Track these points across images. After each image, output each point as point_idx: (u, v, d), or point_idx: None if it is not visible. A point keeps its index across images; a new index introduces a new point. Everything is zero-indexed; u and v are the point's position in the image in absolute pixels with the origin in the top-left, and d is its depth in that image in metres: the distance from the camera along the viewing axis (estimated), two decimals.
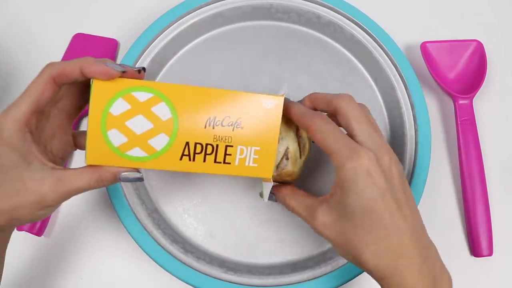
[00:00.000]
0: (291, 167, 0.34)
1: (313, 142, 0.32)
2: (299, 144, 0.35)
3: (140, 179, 0.30)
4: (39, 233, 0.41)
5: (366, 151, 0.28)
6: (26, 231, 0.40)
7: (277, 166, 0.34)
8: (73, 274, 0.41)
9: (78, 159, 0.44)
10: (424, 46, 0.47)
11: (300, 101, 0.34)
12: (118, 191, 0.39)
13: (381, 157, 0.29)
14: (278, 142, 0.34)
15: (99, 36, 0.48)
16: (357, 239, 0.29)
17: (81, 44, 0.47)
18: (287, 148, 0.34)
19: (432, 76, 0.46)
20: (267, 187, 0.33)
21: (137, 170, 0.30)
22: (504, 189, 0.44)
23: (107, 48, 0.47)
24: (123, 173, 0.30)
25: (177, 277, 0.37)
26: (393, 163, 0.30)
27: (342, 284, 0.37)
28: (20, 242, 0.41)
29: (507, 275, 0.42)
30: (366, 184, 0.28)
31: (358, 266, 0.30)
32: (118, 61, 0.47)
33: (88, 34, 0.48)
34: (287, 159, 0.34)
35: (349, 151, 0.28)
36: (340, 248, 0.30)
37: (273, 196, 0.35)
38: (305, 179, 0.42)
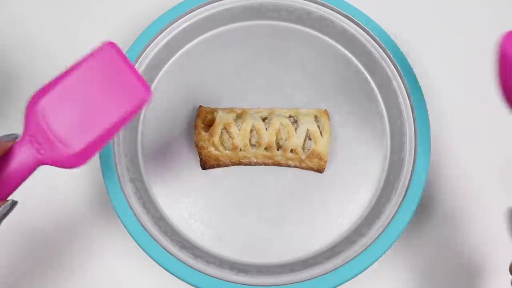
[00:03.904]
0: (315, 146, 0.41)
1: None
2: (318, 127, 0.41)
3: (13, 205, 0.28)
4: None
5: None
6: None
7: (303, 148, 0.41)
8: (73, 274, 0.40)
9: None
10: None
11: None
12: (122, 202, 0.39)
13: None
14: (298, 126, 0.41)
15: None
16: None
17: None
18: (307, 129, 0.41)
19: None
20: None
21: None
22: (505, 189, 0.44)
23: None
24: None
25: (188, 283, 0.37)
26: None
27: (353, 278, 0.37)
28: (20, 242, 0.41)
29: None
30: None
31: None
32: None
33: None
34: (310, 139, 0.41)
35: None
36: None
37: None
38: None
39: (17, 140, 0.29)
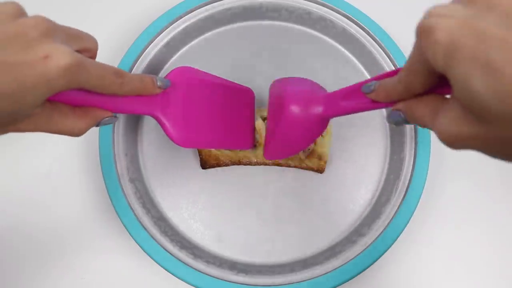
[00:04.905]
0: (315, 146, 0.41)
1: None
2: None
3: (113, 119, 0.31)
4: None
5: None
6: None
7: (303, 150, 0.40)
8: (74, 274, 0.40)
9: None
10: None
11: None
12: (122, 202, 0.39)
13: None
14: None
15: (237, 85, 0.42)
16: None
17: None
18: None
19: None
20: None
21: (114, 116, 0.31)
22: (504, 189, 0.44)
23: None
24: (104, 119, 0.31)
25: (188, 283, 0.37)
26: None
27: (353, 278, 0.37)
28: (20, 241, 0.41)
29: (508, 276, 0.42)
30: None
31: None
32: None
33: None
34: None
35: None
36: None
37: (399, 117, 0.28)
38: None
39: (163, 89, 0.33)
